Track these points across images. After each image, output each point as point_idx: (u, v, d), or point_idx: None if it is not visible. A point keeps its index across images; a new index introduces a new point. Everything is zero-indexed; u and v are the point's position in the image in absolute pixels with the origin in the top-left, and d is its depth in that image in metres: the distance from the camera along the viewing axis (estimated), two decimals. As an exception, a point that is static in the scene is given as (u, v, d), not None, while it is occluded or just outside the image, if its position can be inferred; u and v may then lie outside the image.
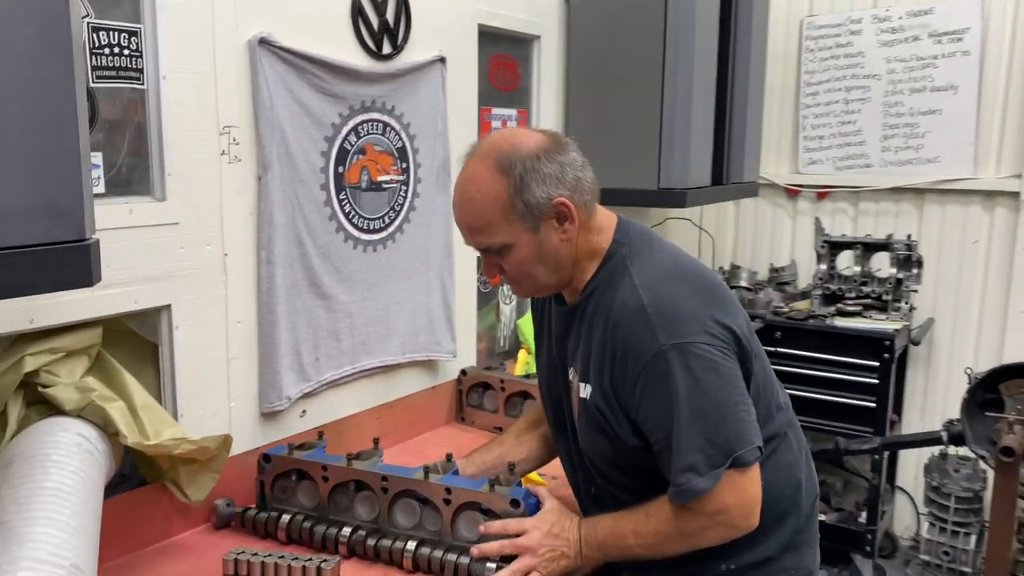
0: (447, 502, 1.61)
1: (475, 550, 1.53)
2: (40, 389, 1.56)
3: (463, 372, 2.54)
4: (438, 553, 1.57)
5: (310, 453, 1.80)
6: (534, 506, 1.57)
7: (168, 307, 1.74)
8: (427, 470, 1.67)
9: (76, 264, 1.09)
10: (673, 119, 2.80)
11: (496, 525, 1.54)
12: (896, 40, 3.66)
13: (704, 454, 1.33)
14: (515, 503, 1.55)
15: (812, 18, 3.84)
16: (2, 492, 1.30)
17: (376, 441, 1.89)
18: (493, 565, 1.50)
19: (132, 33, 1.61)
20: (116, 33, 1.59)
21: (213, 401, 1.86)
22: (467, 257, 2.55)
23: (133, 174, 1.68)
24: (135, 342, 1.79)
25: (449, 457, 1.77)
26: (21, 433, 1.49)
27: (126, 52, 1.60)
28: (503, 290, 2.84)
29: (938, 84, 3.59)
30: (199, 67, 1.74)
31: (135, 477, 1.76)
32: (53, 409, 1.57)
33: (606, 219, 1.51)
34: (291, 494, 1.77)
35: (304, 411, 2.09)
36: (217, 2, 1.75)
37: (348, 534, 1.65)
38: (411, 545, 1.60)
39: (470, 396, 2.53)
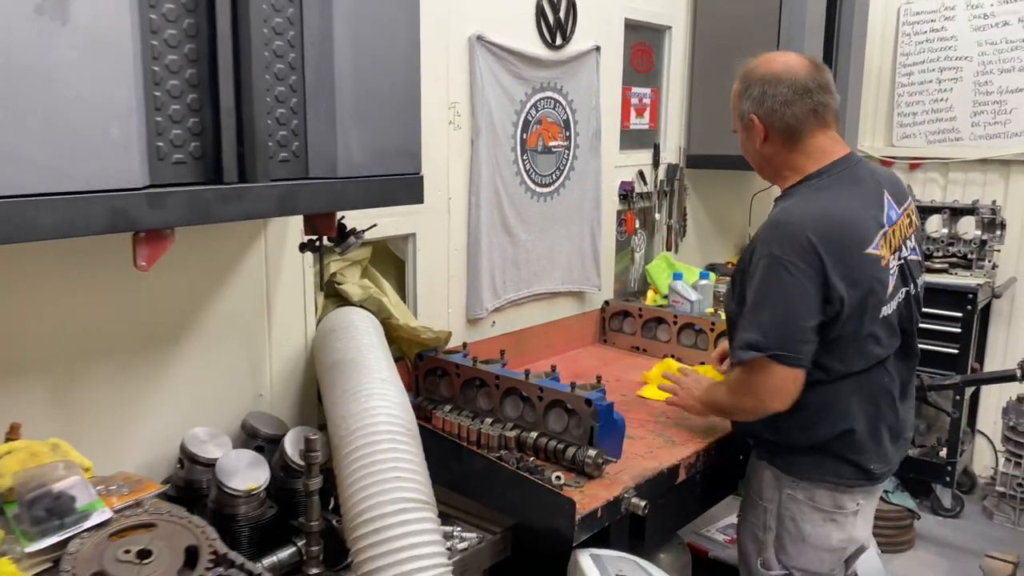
0: (540, 398, 2.06)
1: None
2: (336, 286, 2.21)
3: (606, 302, 3.13)
4: (530, 436, 2.05)
5: (451, 356, 2.31)
6: (605, 408, 1.96)
7: (414, 235, 2.38)
8: (528, 373, 2.13)
9: (415, 188, 1.72)
10: (783, 96, 3.29)
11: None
12: (987, 25, 4.04)
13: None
14: (588, 403, 1.97)
15: (909, 5, 4.24)
16: (338, 345, 1.94)
17: (503, 352, 2.42)
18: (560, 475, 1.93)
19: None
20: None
21: (438, 307, 2.49)
22: (610, 210, 3.14)
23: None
24: (385, 260, 2.44)
25: (553, 368, 2.25)
26: (329, 314, 2.15)
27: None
28: (635, 239, 3.40)
29: (1026, 65, 3.96)
30: (437, 56, 2.35)
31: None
32: (341, 301, 2.22)
33: (824, 149, 1.90)
34: (435, 386, 2.30)
35: (494, 322, 2.71)
36: (450, 10, 2.36)
37: (472, 426, 2.09)
38: (511, 430, 2.08)
39: (611, 322, 3.11)
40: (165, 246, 1.33)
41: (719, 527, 2.80)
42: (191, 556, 1.09)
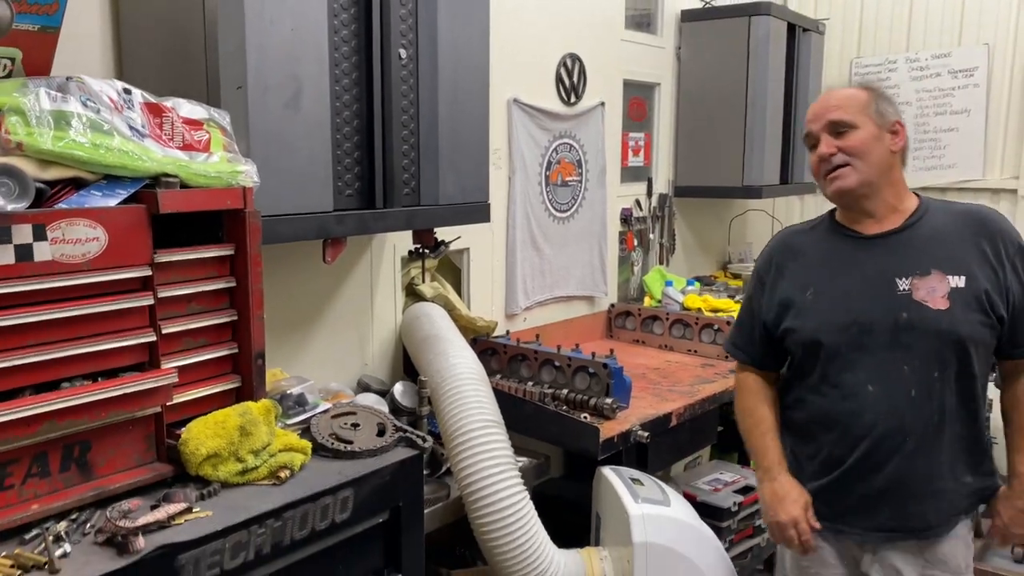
0: (569, 365, 2.81)
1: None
2: (414, 286, 2.97)
3: (612, 305, 3.89)
4: (563, 392, 2.79)
5: (498, 339, 3.07)
6: (618, 369, 2.69)
7: (468, 249, 3.14)
8: (559, 347, 2.91)
9: (484, 211, 2.49)
10: (752, 135, 4.09)
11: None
12: (923, 76, 4.86)
13: None
14: (605, 366, 2.70)
15: (859, 59, 5.07)
16: (425, 326, 2.69)
17: (537, 336, 3.17)
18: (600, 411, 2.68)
19: (459, 100, 3.01)
20: (452, 100, 2.99)
21: (484, 304, 3.25)
22: (613, 231, 3.91)
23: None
24: (444, 268, 3.19)
25: (577, 345, 3.00)
26: (412, 307, 2.89)
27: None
28: (633, 255, 4.17)
29: (955, 109, 4.78)
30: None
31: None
32: (418, 298, 2.97)
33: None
34: (487, 362, 3.00)
35: (525, 318, 3.47)
36: (495, 80, 3.13)
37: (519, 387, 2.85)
38: (548, 389, 2.82)
39: (616, 320, 3.88)
40: (341, 248, 2.10)
41: (705, 480, 3.52)
42: (381, 430, 1.83)
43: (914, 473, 1.89)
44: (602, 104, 3.72)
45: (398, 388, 2.55)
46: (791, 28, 4.30)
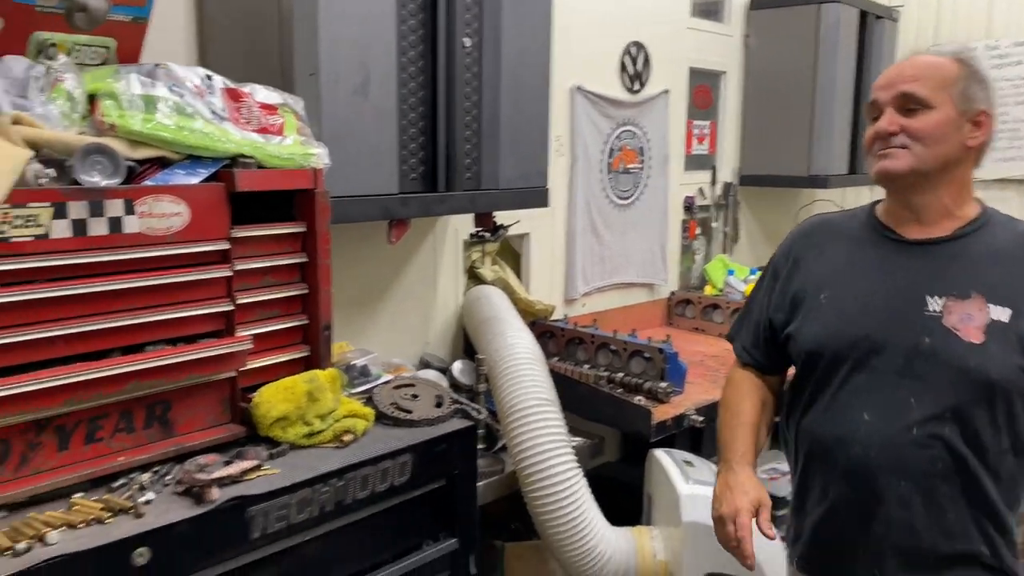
0: (625, 349, 2.88)
1: None
2: (474, 270, 3.05)
3: (672, 292, 3.91)
4: (618, 376, 2.84)
5: (556, 322, 3.14)
6: (673, 354, 2.77)
7: (528, 234, 3.21)
8: (616, 332, 2.97)
9: (543, 196, 2.55)
10: (820, 124, 4.05)
11: None
12: (1003, 64, 4.71)
13: None
14: (660, 351, 2.79)
15: (936, 47, 4.92)
16: (485, 308, 2.77)
17: (595, 321, 3.22)
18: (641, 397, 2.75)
19: (522, 87, 3.08)
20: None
21: (544, 288, 3.32)
22: (675, 219, 3.93)
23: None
24: (505, 252, 3.27)
25: (634, 331, 3.05)
26: (472, 289, 2.98)
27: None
28: (696, 243, 4.17)
29: (1036, 98, 4.63)
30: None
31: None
32: (479, 281, 3.06)
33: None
34: (544, 344, 3.04)
35: (584, 303, 3.52)
36: (558, 68, 3.18)
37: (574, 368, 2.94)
38: (603, 372, 2.88)
39: (675, 308, 3.89)
40: (405, 230, 2.19)
41: (763, 469, 3.52)
42: (439, 401, 1.92)
43: (908, 529, 1.55)
44: (666, 92, 3.73)
45: (457, 366, 2.64)
46: (863, 15, 4.22)
